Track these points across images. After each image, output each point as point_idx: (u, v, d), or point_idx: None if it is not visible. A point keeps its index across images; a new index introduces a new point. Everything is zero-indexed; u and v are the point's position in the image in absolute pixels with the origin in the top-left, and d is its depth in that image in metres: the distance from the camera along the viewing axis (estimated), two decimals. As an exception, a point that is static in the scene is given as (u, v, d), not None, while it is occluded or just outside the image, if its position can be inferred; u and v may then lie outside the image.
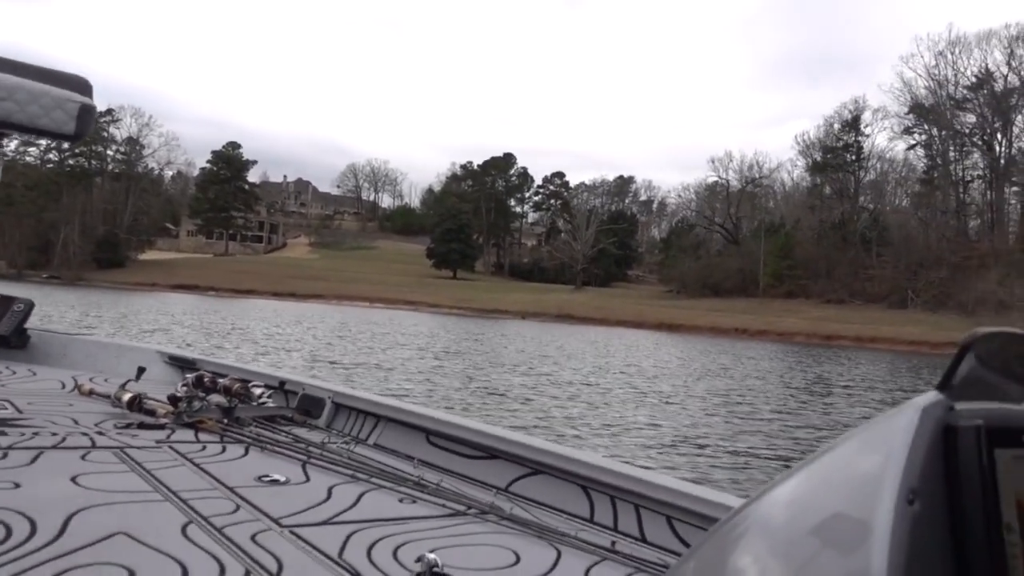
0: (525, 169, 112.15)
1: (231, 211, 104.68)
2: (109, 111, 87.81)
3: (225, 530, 1.72)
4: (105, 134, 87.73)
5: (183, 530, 1.70)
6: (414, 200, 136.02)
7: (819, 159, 77.00)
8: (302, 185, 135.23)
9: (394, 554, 1.67)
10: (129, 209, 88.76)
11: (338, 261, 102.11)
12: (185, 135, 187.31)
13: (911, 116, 71.92)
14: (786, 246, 70.48)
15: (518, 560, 1.71)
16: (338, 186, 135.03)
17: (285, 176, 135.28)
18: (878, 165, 76.23)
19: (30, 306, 4.15)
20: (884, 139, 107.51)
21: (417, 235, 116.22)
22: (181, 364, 3.84)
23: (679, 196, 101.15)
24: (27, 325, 4.18)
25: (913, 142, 73.20)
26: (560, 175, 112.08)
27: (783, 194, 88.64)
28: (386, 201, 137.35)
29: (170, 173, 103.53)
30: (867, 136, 75.99)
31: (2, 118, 2.73)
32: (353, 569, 1.57)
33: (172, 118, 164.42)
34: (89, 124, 3.00)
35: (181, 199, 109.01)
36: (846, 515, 0.48)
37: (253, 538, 1.69)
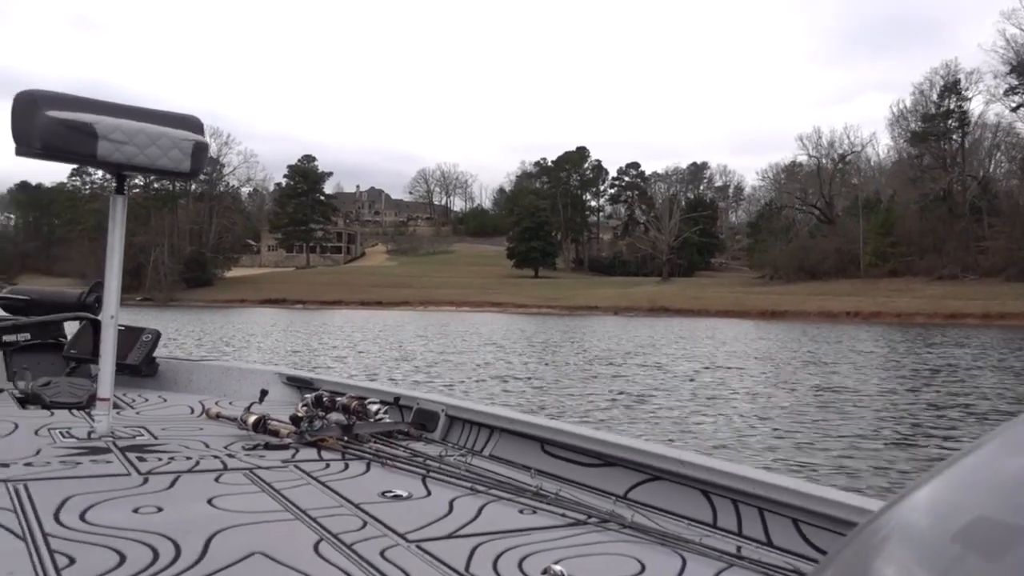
0: (599, 162, 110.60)
1: (310, 223, 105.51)
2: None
3: (355, 547, 1.75)
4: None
5: (315, 548, 1.74)
6: (485, 202, 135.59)
7: (918, 128, 73.29)
8: (375, 194, 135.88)
9: (519, 566, 1.67)
10: (214, 228, 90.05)
11: (417, 267, 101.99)
12: (256, 152, 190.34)
13: (1013, 76, 67.71)
14: (887, 222, 67.17)
15: (643, 568, 1.68)
16: (410, 192, 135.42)
17: (358, 186, 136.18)
18: (976, 131, 72.28)
19: (157, 336, 4.38)
20: (979, 103, 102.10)
21: (491, 236, 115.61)
22: (299, 384, 3.97)
23: (761, 178, 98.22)
24: (155, 354, 4.38)
25: (1017, 103, 68.91)
26: (635, 165, 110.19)
27: (871, 169, 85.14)
28: (457, 204, 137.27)
29: (247, 191, 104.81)
30: (968, 100, 72.11)
31: (125, 161, 2.82)
32: None
33: (241, 137, 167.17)
34: (203, 161, 3.04)
35: (259, 215, 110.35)
36: (992, 519, 0.47)
37: (382, 554, 1.72)
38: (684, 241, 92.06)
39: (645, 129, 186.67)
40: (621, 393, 13.30)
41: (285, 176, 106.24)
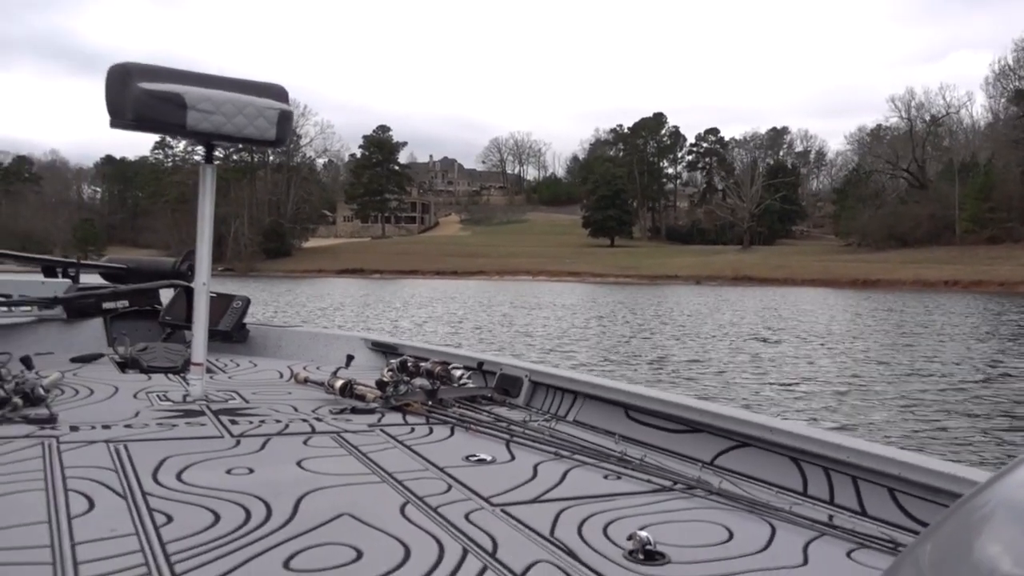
0: (677, 128, 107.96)
1: (385, 194, 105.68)
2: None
3: (440, 510, 1.78)
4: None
5: (401, 510, 1.76)
6: (558, 170, 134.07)
7: (1022, 86, 69.16)
8: (448, 163, 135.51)
9: (604, 531, 1.67)
10: (292, 199, 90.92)
11: (491, 236, 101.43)
12: (332, 123, 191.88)
13: None
14: (986, 186, 63.67)
15: (731, 536, 1.66)
16: (483, 162, 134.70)
17: (431, 156, 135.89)
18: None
19: (247, 303, 4.44)
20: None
21: (565, 205, 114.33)
22: (385, 350, 3.98)
23: (848, 142, 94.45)
24: (245, 320, 4.44)
25: None
26: (714, 131, 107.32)
27: (963, 132, 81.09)
28: (530, 173, 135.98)
29: (321, 162, 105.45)
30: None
31: (213, 130, 2.84)
32: (566, 547, 1.58)
33: (316, 108, 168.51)
34: (288, 129, 3.04)
35: (334, 186, 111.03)
36: None
37: (467, 517, 1.73)
38: (765, 208, 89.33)
39: (722, 93, 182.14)
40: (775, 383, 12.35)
41: (360, 147, 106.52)
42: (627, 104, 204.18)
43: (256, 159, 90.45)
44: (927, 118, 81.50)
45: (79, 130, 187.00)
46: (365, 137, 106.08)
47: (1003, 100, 73.16)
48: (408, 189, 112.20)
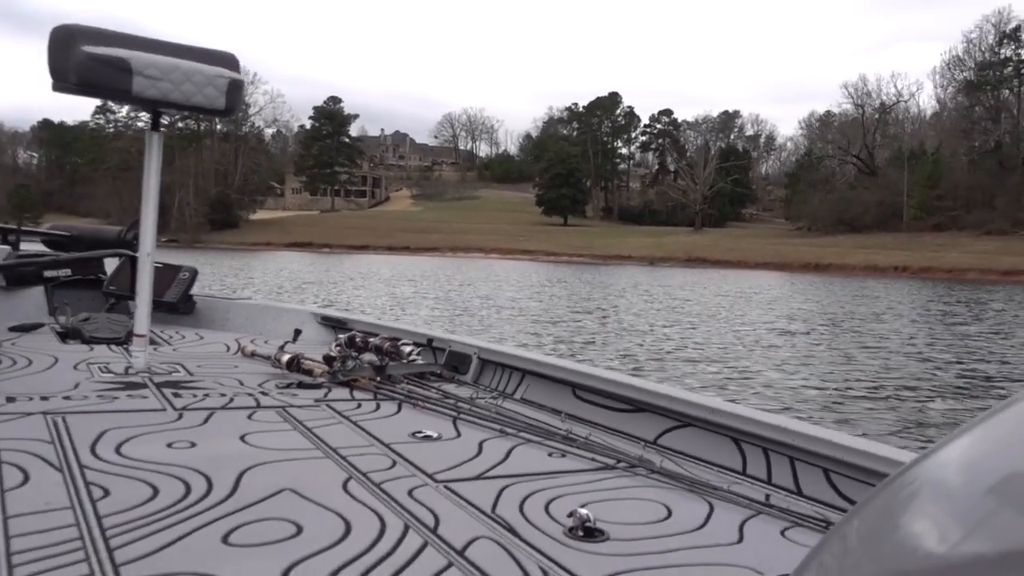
0: (631, 108, 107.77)
1: (335, 167, 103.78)
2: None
3: (383, 486, 1.78)
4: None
5: (344, 486, 1.77)
6: (511, 148, 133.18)
7: (973, 78, 70.18)
8: (399, 137, 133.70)
9: (546, 508, 1.69)
10: (239, 169, 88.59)
11: (443, 212, 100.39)
12: (282, 92, 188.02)
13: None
14: (934, 174, 64.62)
15: (670, 514, 1.70)
16: (435, 136, 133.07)
17: (383, 129, 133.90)
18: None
19: (194, 274, 4.36)
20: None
21: (517, 183, 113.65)
22: (334, 324, 3.95)
23: (801, 127, 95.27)
24: (192, 292, 4.35)
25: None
26: (668, 112, 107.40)
27: (910, 121, 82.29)
28: (483, 150, 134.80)
29: (270, 132, 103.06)
30: (1026, 48, 68.72)
31: (160, 97, 2.77)
32: (507, 523, 1.60)
33: (265, 78, 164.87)
34: (239, 99, 2.97)
35: (282, 158, 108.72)
36: None
37: (410, 493, 1.75)
38: (717, 191, 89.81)
39: (675, 77, 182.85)
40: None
41: (311, 118, 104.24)
42: (580, 84, 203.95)
43: (203, 127, 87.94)
44: (876, 105, 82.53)
45: (15, 92, 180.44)
46: (316, 108, 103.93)
47: (950, 89, 74.38)
48: (359, 162, 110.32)
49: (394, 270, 39.39)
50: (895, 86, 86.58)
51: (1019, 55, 68.66)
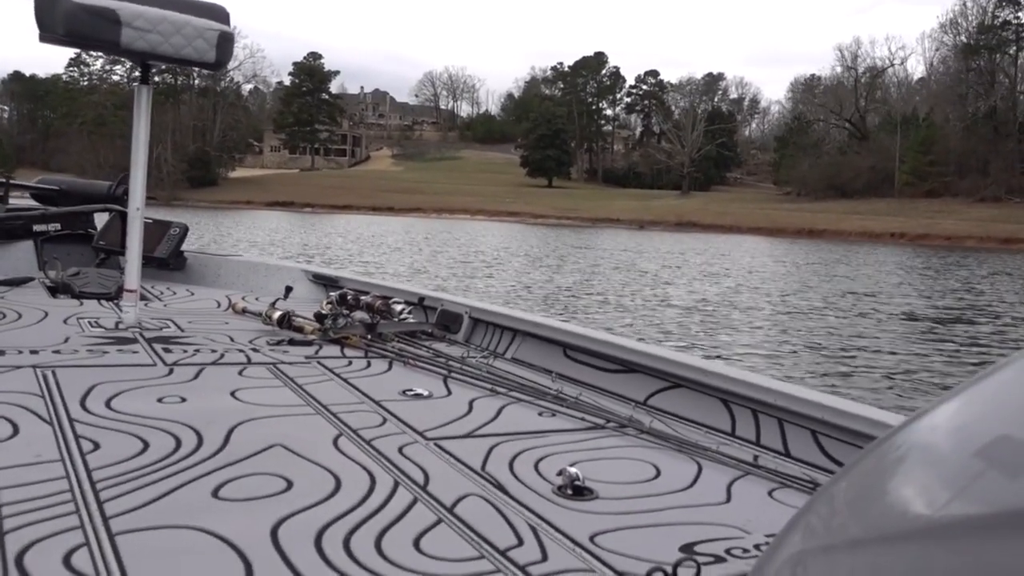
0: (617, 69, 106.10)
1: (315, 124, 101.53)
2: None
3: (374, 442, 1.79)
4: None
5: (334, 442, 1.78)
6: (492, 108, 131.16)
7: (971, 41, 69.20)
8: (379, 96, 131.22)
9: (535, 467, 1.71)
10: (218, 125, 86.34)
11: (424, 172, 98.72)
12: (262, 47, 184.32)
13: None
14: (927, 139, 63.96)
15: (659, 474, 1.72)
16: (416, 95, 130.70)
17: (362, 87, 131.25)
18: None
19: (185, 229, 4.36)
20: None
21: (499, 143, 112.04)
22: (325, 282, 3.94)
23: (791, 90, 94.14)
24: (183, 248, 4.36)
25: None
26: (654, 73, 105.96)
27: (895, 86, 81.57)
28: (464, 110, 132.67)
29: (248, 88, 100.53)
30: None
31: (149, 50, 2.75)
32: (496, 481, 1.61)
33: (244, 33, 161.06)
34: (228, 52, 2.94)
35: (260, 115, 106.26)
36: (1015, 438, 0.46)
37: (400, 450, 1.75)
38: (703, 155, 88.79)
39: (656, 39, 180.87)
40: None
41: (290, 74, 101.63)
42: (563, 45, 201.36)
43: (180, 81, 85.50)
44: (862, 69, 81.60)
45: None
46: (295, 64, 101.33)
47: (938, 53, 73.58)
48: (339, 120, 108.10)
49: (406, 234, 38.26)
50: (889, 48, 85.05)
51: (1019, 18, 67.99)
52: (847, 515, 0.55)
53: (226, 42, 2.89)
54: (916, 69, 79.73)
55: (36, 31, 2.70)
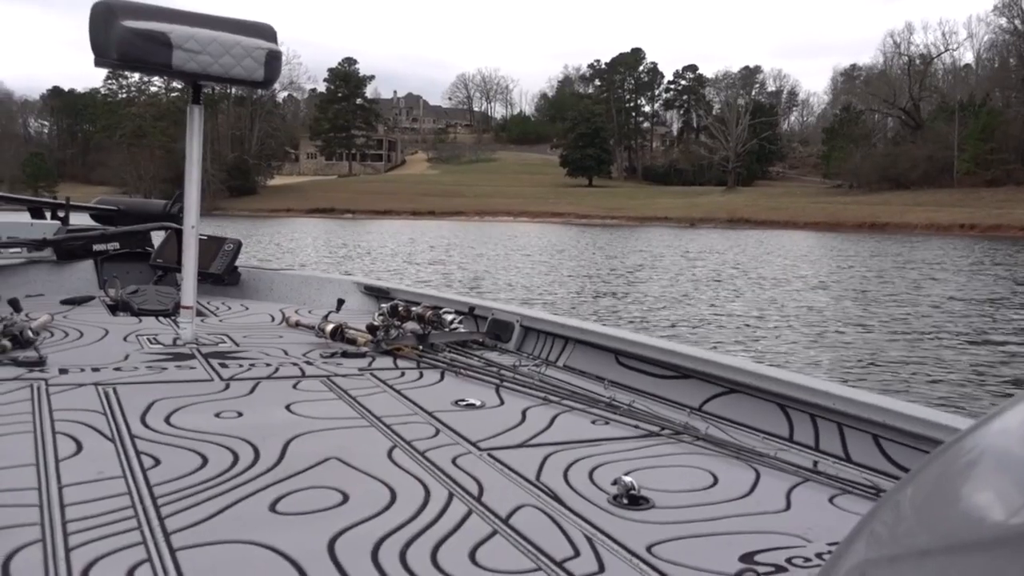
0: (655, 65, 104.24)
1: (352, 130, 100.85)
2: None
3: (427, 454, 1.79)
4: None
5: (389, 454, 1.79)
6: (526, 108, 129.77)
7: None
8: (412, 100, 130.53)
9: (590, 476, 1.69)
10: (256, 133, 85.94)
11: (462, 175, 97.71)
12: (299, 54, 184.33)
13: None
14: (988, 126, 61.39)
15: (716, 481, 1.69)
16: (449, 98, 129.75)
17: (395, 92, 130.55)
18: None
19: (239, 245, 4.41)
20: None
21: (534, 144, 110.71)
22: (376, 294, 3.96)
23: (840, 79, 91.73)
24: (236, 263, 4.41)
25: None
26: (693, 68, 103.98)
27: (945, 71, 79.03)
28: (497, 111, 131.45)
29: (283, 95, 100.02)
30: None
31: (200, 71, 2.80)
32: (551, 491, 1.60)
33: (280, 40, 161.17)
34: (276, 70, 2.99)
35: (294, 122, 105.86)
36: None
37: (454, 461, 1.75)
38: (747, 149, 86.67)
39: (687, 34, 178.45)
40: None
41: (325, 80, 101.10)
42: (593, 42, 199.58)
43: (216, 91, 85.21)
44: (909, 57, 79.09)
45: (24, 60, 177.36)
46: (330, 70, 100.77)
47: (986, 39, 70.94)
48: (375, 125, 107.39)
49: (471, 237, 37.09)
50: (943, 33, 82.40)
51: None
52: (915, 523, 0.52)
53: (274, 60, 2.92)
54: (963, 55, 77.12)
55: (89, 54, 2.74)
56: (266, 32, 3.00)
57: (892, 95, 77.12)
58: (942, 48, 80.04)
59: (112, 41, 2.67)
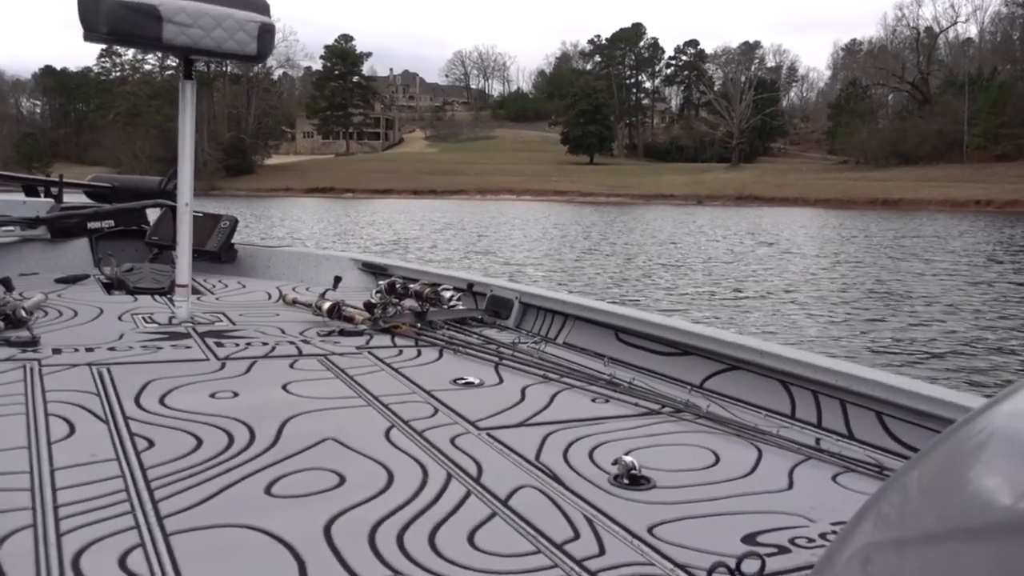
0: (656, 40, 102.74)
1: (349, 108, 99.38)
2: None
3: (425, 434, 1.78)
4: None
5: (386, 434, 1.77)
6: (523, 85, 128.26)
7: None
8: (409, 77, 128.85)
9: (590, 455, 1.68)
10: (253, 112, 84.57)
11: (461, 154, 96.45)
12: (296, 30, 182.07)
13: None
14: (999, 100, 60.42)
15: (718, 460, 1.67)
16: (446, 75, 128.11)
17: (391, 70, 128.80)
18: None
19: (235, 223, 4.37)
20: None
21: (533, 121, 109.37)
22: (374, 271, 3.92)
23: (844, 54, 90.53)
24: (233, 240, 4.37)
25: None
26: (694, 43, 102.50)
27: (949, 45, 77.91)
28: (495, 88, 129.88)
29: (279, 72, 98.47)
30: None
31: (191, 44, 2.75)
32: (551, 471, 1.58)
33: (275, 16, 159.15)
34: (270, 43, 2.93)
35: (289, 100, 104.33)
36: None
37: (452, 441, 1.73)
38: (750, 125, 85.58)
39: (683, 8, 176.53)
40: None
41: (322, 57, 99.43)
42: (591, 19, 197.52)
43: (212, 68, 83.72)
44: (913, 31, 77.94)
45: (15, 40, 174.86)
46: (327, 47, 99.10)
47: (989, 12, 69.60)
48: (373, 104, 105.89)
49: (482, 218, 36.16)
50: (952, 5, 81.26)
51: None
52: (923, 506, 0.51)
53: (267, 34, 2.87)
54: (968, 29, 75.97)
55: (79, 30, 2.69)
56: (258, 5, 2.92)
57: (901, 69, 75.97)
58: (949, 21, 78.92)
59: (101, 15, 2.62)
